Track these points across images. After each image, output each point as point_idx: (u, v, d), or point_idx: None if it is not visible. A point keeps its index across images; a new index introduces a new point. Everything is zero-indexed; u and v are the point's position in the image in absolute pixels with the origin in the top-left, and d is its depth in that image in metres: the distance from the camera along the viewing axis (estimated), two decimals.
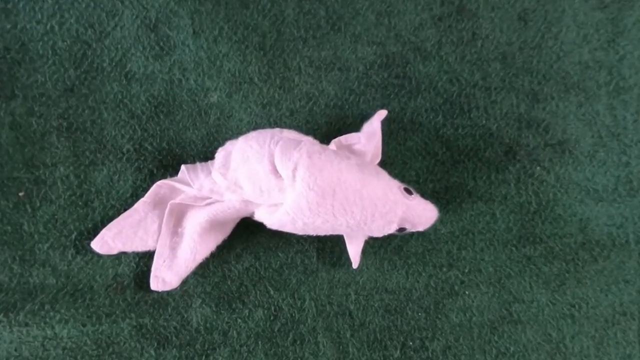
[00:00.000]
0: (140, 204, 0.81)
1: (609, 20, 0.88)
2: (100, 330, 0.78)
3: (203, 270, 0.80)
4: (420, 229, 0.79)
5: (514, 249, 0.85)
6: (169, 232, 0.80)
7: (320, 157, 0.74)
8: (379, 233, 0.76)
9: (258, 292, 0.81)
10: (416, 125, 0.87)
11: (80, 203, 0.81)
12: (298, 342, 0.80)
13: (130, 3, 0.85)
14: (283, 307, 0.81)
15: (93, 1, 0.84)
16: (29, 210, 0.80)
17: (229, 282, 0.81)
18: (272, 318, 0.81)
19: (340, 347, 0.81)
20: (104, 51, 0.84)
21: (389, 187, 0.76)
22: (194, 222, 0.79)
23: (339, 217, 0.73)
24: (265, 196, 0.75)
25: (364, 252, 0.82)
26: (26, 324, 0.78)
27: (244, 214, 0.79)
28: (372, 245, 0.83)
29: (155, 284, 0.79)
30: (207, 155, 0.84)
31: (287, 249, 0.82)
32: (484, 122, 0.87)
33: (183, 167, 0.80)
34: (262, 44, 0.86)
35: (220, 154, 0.78)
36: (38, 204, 0.80)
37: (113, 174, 0.82)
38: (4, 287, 0.79)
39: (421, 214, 0.78)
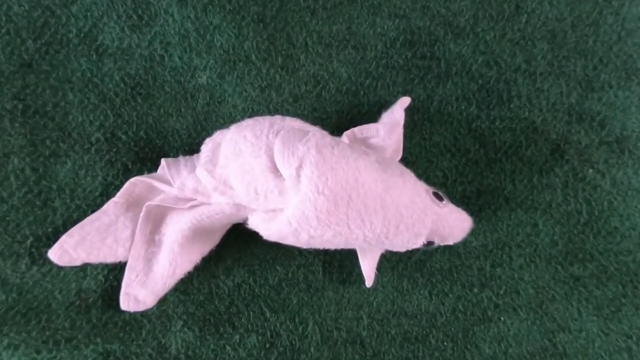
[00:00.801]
0: (110, 205, 0.60)
1: None
2: (58, 358, 0.53)
3: (185, 286, 0.56)
4: (451, 242, 0.58)
5: (559, 267, 0.64)
6: (144, 240, 0.59)
7: (332, 152, 0.52)
8: (402, 248, 0.56)
9: (251, 313, 0.56)
10: (445, 116, 0.62)
11: (38, 202, 0.57)
12: None
13: None
14: (281, 332, 0.56)
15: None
16: None
17: (216, 301, 0.56)
18: (267, 346, 0.56)
19: None
20: (70, 20, 0.58)
21: (416, 192, 0.54)
22: (175, 228, 0.58)
23: (354, 230, 0.52)
24: (261, 200, 0.53)
25: (379, 268, 0.61)
26: None
27: (236, 219, 0.58)
28: (389, 259, 0.61)
29: (126, 303, 0.58)
30: (192, 148, 0.62)
31: (287, 262, 0.59)
32: (526, 114, 0.61)
33: (163, 161, 0.59)
34: (262, 15, 0.60)
35: (207, 146, 0.57)
36: None
37: (79, 168, 0.57)
38: None
39: (453, 224, 0.56)
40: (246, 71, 0.65)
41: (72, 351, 0.58)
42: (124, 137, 0.63)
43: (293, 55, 0.65)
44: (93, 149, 0.62)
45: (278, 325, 0.61)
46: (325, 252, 0.63)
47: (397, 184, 0.54)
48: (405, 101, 0.63)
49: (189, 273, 0.59)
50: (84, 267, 0.60)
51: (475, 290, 0.63)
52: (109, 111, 0.63)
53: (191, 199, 0.58)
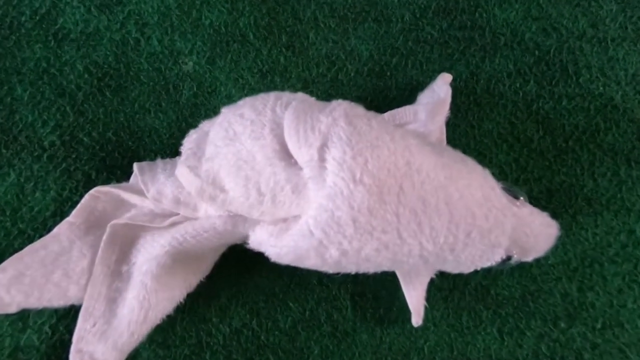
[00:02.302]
0: (63, 227, 0.32)
1: None
2: None
3: (165, 335, 0.27)
4: (532, 257, 0.30)
5: None
6: (106, 272, 0.31)
7: (369, 124, 0.25)
8: (468, 267, 0.28)
9: None
10: (495, 97, 0.33)
11: None
12: None
13: None
14: None
15: None
16: None
17: (207, 355, 0.26)
18: None
19: None
20: (23, 0, 0.28)
21: (489, 185, 0.27)
22: (149, 255, 0.30)
23: (407, 240, 0.24)
24: (266, 204, 0.26)
25: (428, 298, 0.32)
26: None
27: (231, 239, 0.30)
28: (440, 287, 0.34)
29: None
30: (175, 151, 0.34)
31: (302, 296, 0.32)
32: (600, 89, 0.32)
33: (135, 165, 0.32)
34: None
35: (190, 137, 0.30)
36: None
37: (25, 181, 0.28)
38: None
39: (538, 231, 0.29)
40: (242, 53, 0.37)
41: None
42: (86, 139, 0.34)
43: (300, 31, 0.37)
44: (45, 155, 0.34)
45: None
46: (354, 280, 0.33)
47: (461, 173, 0.25)
48: (447, 77, 0.35)
49: (169, 317, 0.29)
50: (23, 315, 0.30)
51: (562, 325, 0.33)
52: (67, 108, 0.35)
53: (171, 214, 0.29)
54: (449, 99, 0.33)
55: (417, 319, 0.31)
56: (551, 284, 0.34)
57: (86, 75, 0.36)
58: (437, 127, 0.33)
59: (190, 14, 0.37)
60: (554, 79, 0.37)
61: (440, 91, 0.33)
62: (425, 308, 0.32)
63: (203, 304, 0.32)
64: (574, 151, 0.36)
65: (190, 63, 0.36)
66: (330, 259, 0.24)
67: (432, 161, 0.24)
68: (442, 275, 0.32)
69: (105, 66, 0.36)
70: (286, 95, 0.27)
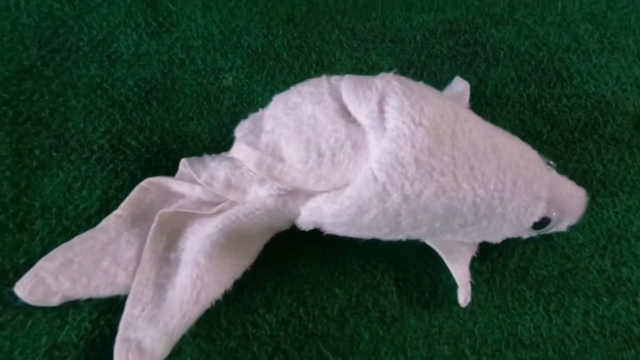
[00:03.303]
0: (110, 220, 0.26)
1: None
2: None
3: (210, 329, 0.18)
4: (568, 221, 0.25)
5: None
6: (155, 259, 0.24)
7: (417, 85, 0.21)
8: (514, 223, 0.22)
9: (307, 359, 0.17)
10: (503, 99, 0.28)
11: (11, 226, 0.22)
12: None
13: None
14: None
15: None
16: None
17: (255, 347, 0.21)
18: None
19: None
20: (82, 29, 0.27)
21: (523, 144, 0.22)
22: (200, 237, 0.24)
23: (462, 184, 0.19)
24: (326, 165, 0.20)
25: (471, 282, 0.25)
26: None
27: (282, 220, 0.24)
28: (480, 271, 0.27)
29: (123, 356, 0.21)
30: (217, 152, 0.28)
31: (347, 283, 0.24)
32: (593, 88, 0.28)
33: (183, 160, 0.26)
34: (291, 15, 0.31)
35: (243, 122, 0.25)
36: None
37: (73, 181, 0.22)
38: None
39: (571, 191, 0.24)
40: (277, 69, 0.34)
41: None
42: (133, 142, 0.30)
43: (327, 51, 0.35)
44: (94, 157, 0.29)
45: None
46: (396, 266, 0.27)
47: (499, 130, 0.21)
48: (460, 80, 0.32)
49: (213, 310, 0.23)
50: (64, 311, 0.24)
51: (605, 300, 0.27)
52: (117, 116, 0.31)
53: (219, 202, 0.24)
54: (468, 91, 0.30)
55: (465, 296, 0.25)
56: (585, 261, 0.28)
57: (135, 89, 0.32)
58: None
59: (231, 38, 0.35)
60: (551, 82, 0.35)
61: (458, 87, 0.30)
62: (471, 290, 0.26)
63: (247, 294, 0.26)
64: (580, 141, 0.33)
65: (230, 78, 0.33)
66: (391, 207, 0.19)
67: (474, 116, 0.21)
68: (480, 258, 0.27)
69: (153, 81, 0.33)
70: (335, 77, 0.24)
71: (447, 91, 0.30)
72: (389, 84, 0.21)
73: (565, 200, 0.23)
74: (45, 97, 0.30)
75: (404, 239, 0.23)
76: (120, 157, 0.29)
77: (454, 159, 0.19)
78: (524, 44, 0.35)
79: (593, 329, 0.26)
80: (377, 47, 0.35)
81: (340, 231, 0.23)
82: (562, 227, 0.25)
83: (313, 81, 0.23)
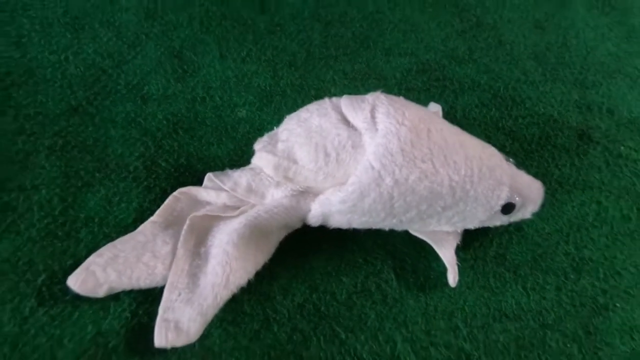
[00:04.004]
0: (147, 226, 0.30)
1: (616, 23, 0.42)
2: None
3: (234, 315, 0.22)
4: (531, 207, 0.31)
5: None
6: (187, 253, 0.28)
7: (399, 98, 0.28)
8: (485, 204, 0.28)
9: (322, 337, 0.22)
10: (470, 120, 0.37)
11: (59, 234, 0.26)
12: None
13: (155, 35, 0.39)
14: (365, 356, 0.21)
15: (115, 36, 0.38)
16: None
17: (275, 328, 0.23)
18: None
19: None
20: (120, 76, 0.35)
21: (484, 143, 0.29)
22: (227, 231, 0.28)
23: (439, 170, 0.25)
24: (331, 163, 0.26)
25: (458, 267, 0.30)
26: None
27: (295, 217, 0.29)
28: (465, 259, 0.31)
29: (163, 335, 0.25)
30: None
31: (353, 272, 0.26)
32: (542, 110, 0.37)
33: (209, 174, 0.32)
34: (293, 62, 0.39)
35: (262, 137, 0.31)
36: (1, 236, 0.23)
37: (112, 196, 0.27)
38: None
39: (529, 181, 0.30)
40: (283, 103, 0.41)
41: None
42: (163, 164, 0.35)
43: (324, 87, 0.43)
44: (130, 176, 0.34)
45: (359, 347, 0.27)
46: (394, 256, 0.32)
47: (465, 135, 0.27)
48: (434, 104, 0.39)
49: (236, 298, 0.27)
50: (105, 302, 0.27)
51: (572, 277, 0.32)
52: (150, 143, 0.37)
53: (241, 205, 0.29)
54: (440, 112, 0.37)
55: (453, 275, 0.29)
56: (553, 247, 0.33)
57: (164, 122, 0.38)
58: None
59: (244, 80, 0.42)
60: (508, 106, 0.42)
61: (432, 109, 0.37)
62: (458, 273, 0.31)
63: (266, 284, 0.30)
64: (537, 151, 0.39)
65: (244, 111, 0.40)
66: (385, 191, 0.24)
67: (444, 121, 0.27)
68: (464, 248, 0.32)
69: (179, 115, 0.39)
70: (334, 97, 0.30)
71: None
72: (378, 97, 0.27)
73: (525, 188, 0.29)
74: (89, 129, 0.36)
75: (397, 227, 0.28)
76: (153, 176, 0.34)
77: (431, 150, 0.25)
78: (483, 78, 0.43)
79: (565, 302, 0.30)
80: (364, 83, 0.42)
81: (344, 220, 0.28)
82: (527, 213, 0.31)
83: (318, 102, 0.29)
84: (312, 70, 0.42)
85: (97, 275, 0.26)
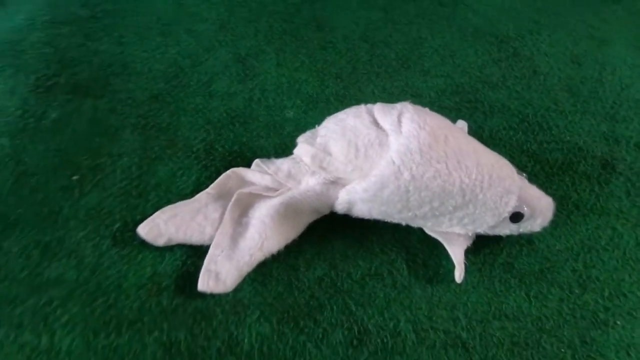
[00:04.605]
0: (202, 194, 0.36)
1: None
2: (114, 344, 0.27)
3: (263, 277, 0.28)
4: (539, 220, 0.33)
5: None
6: (232, 220, 0.34)
7: (424, 109, 0.33)
8: (493, 210, 0.30)
9: (335, 307, 0.27)
10: (496, 140, 0.40)
11: (134, 193, 0.34)
12: None
13: (225, 43, 0.47)
14: (370, 328, 0.25)
15: (195, 41, 0.46)
16: (76, 195, 0.36)
17: (296, 294, 0.28)
18: (355, 343, 0.25)
19: None
20: (194, 74, 0.43)
21: (500, 157, 0.32)
22: (266, 206, 0.34)
23: (452, 172, 0.29)
24: (360, 158, 0.31)
25: (466, 268, 0.34)
26: (18, 325, 0.27)
27: (324, 202, 0.34)
28: (474, 262, 0.33)
29: (205, 281, 0.31)
30: None
31: (369, 258, 0.31)
32: (568, 138, 0.40)
33: (257, 160, 0.37)
34: (339, 75, 0.45)
35: (305, 133, 0.36)
36: (88, 190, 0.37)
37: (177, 169, 0.35)
38: (10, 275, 0.31)
39: (539, 196, 0.32)
40: (326, 108, 0.46)
41: (133, 337, 0.29)
42: (220, 149, 0.42)
43: (363, 99, 0.47)
44: (193, 156, 0.41)
45: (366, 319, 0.31)
46: (407, 250, 0.36)
47: (481, 147, 0.31)
48: (462, 121, 0.43)
49: (268, 264, 0.32)
50: (163, 252, 0.34)
51: (577, 291, 0.34)
52: (211, 130, 0.44)
53: (281, 188, 0.35)
54: (466, 128, 0.41)
55: (460, 272, 0.32)
56: (562, 262, 0.36)
57: (224, 114, 0.45)
58: None
59: (295, 86, 0.48)
60: (534, 131, 0.45)
61: (459, 124, 0.41)
62: (465, 272, 0.34)
63: (293, 257, 0.35)
64: (558, 175, 0.42)
65: (292, 112, 0.46)
66: (403, 184, 0.29)
67: (462, 132, 0.31)
68: (475, 253, 0.35)
69: (237, 110, 0.46)
70: (369, 104, 0.36)
71: None
72: (405, 106, 0.32)
73: (534, 200, 0.32)
74: (165, 114, 0.43)
75: (413, 222, 0.31)
76: (210, 158, 0.41)
77: (446, 153, 0.29)
78: (513, 103, 0.46)
79: (566, 312, 0.32)
80: (400, 98, 0.46)
81: (366, 209, 0.32)
82: (536, 226, 0.33)
83: (355, 107, 0.35)
84: (355, 83, 0.47)
85: (160, 227, 0.32)
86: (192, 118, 0.42)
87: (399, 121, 0.29)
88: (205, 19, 0.51)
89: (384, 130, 0.30)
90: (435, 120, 0.29)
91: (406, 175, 0.27)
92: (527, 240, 0.35)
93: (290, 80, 0.46)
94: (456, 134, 0.30)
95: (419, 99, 0.45)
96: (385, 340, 0.29)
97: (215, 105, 0.43)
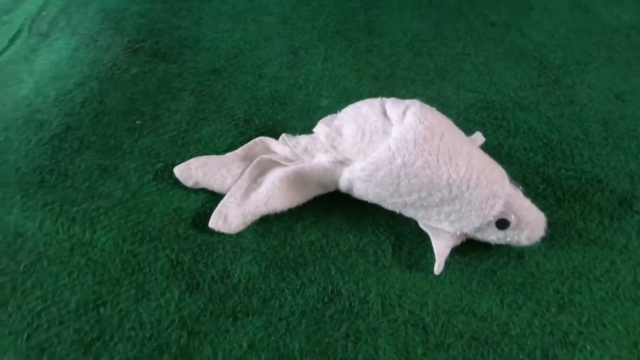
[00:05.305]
0: (231, 154, 0.42)
1: None
2: (136, 251, 0.35)
3: (264, 230, 0.33)
4: (526, 232, 0.33)
5: None
6: (249, 177, 0.40)
7: (431, 108, 0.35)
8: (478, 211, 0.32)
9: (317, 267, 0.31)
10: (513, 159, 0.42)
11: (179, 143, 0.41)
12: (352, 339, 0.27)
13: (284, 35, 0.54)
14: (342, 291, 0.30)
15: (258, 30, 0.53)
16: (136, 135, 0.45)
17: (287, 249, 0.33)
18: (326, 300, 0.30)
19: None
20: (251, 57, 0.51)
21: (497, 165, 0.34)
22: (279, 172, 0.39)
23: (442, 166, 0.31)
24: (365, 141, 0.35)
25: (448, 265, 0.36)
26: (72, 220, 0.37)
27: (330, 178, 0.38)
28: (459, 261, 0.35)
29: (215, 220, 0.37)
30: None
31: (360, 235, 0.35)
32: (589, 169, 0.39)
33: (283, 135, 0.42)
34: (377, 76, 0.50)
35: (326, 117, 0.40)
36: (145, 133, 0.45)
37: (218, 131, 0.43)
38: (74, 184, 0.40)
39: (530, 207, 0.34)
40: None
41: (150, 250, 0.35)
42: (257, 121, 0.48)
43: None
44: (233, 122, 0.48)
45: (341, 283, 0.35)
46: (397, 238, 0.39)
47: (479, 151, 0.34)
48: (479, 133, 0.45)
49: (270, 220, 0.37)
50: (190, 192, 0.40)
51: (553, 310, 0.34)
52: (253, 105, 0.50)
53: (295, 160, 0.40)
54: (479, 141, 0.42)
55: (439, 264, 0.35)
56: (546, 282, 0.36)
57: (268, 94, 0.51)
58: None
59: (334, 80, 0.53)
60: (555, 156, 0.45)
61: (474, 136, 0.43)
62: (445, 268, 0.36)
63: (294, 220, 0.39)
64: (568, 201, 0.42)
65: (326, 102, 0.51)
66: (395, 169, 0.32)
67: (464, 136, 0.34)
68: (461, 255, 0.36)
69: (280, 93, 0.51)
70: (384, 97, 0.39)
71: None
72: (413, 102, 0.35)
73: (522, 211, 0.33)
74: (219, 85, 0.50)
75: (405, 210, 0.33)
76: (247, 127, 0.47)
77: (439, 148, 0.32)
78: (541, 127, 0.47)
79: (535, 325, 0.33)
80: (432, 105, 0.50)
81: (363, 188, 0.36)
82: (523, 237, 0.35)
83: (373, 98, 0.39)
84: (389, 85, 0.51)
85: (191, 171, 0.39)
86: (240, 92, 0.49)
87: (404, 114, 0.33)
88: (271, 12, 0.58)
89: (390, 120, 0.33)
90: (437, 119, 0.32)
91: (399, 161, 0.31)
92: (517, 254, 0.36)
93: (332, 74, 0.51)
94: (455, 134, 0.32)
95: (446, 108, 0.47)
96: (352, 304, 0.32)
97: (262, 85, 0.50)
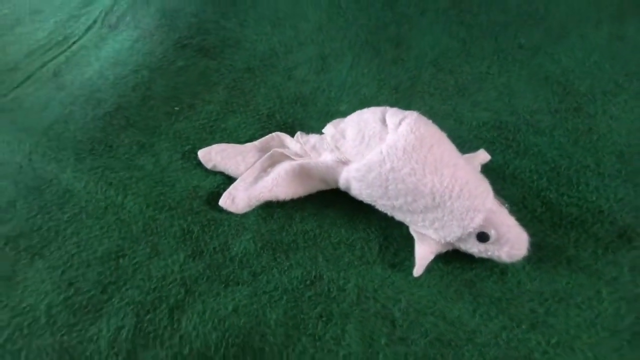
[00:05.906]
0: (250, 144, 0.47)
1: None
2: (155, 217, 0.42)
3: (267, 214, 0.38)
4: (506, 249, 0.35)
5: (625, 344, 0.29)
6: (261, 167, 0.44)
7: (427, 121, 0.38)
8: (459, 222, 0.34)
9: (307, 253, 0.36)
10: (517, 180, 0.43)
11: (207, 130, 0.47)
12: (324, 319, 0.31)
13: (316, 42, 0.58)
14: (324, 278, 0.34)
15: (294, 35, 0.58)
16: (172, 119, 0.51)
17: (284, 234, 0.38)
18: (308, 282, 0.35)
19: (370, 351, 0.29)
20: (283, 60, 0.56)
21: (483, 181, 0.35)
22: (287, 164, 0.43)
23: (427, 174, 0.34)
24: (363, 144, 0.38)
25: (430, 270, 0.38)
26: (109, 184, 0.44)
27: (331, 176, 0.41)
28: (440, 269, 0.36)
29: (224, 200, 0.42)
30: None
31: (351, 231, 0.38)
32: (594, 198, 0.39)
33: (298, 132, 0.46)
34: (396, 87, 0.52)
35: (333, 121, 0.44)
36: (180, 119, 0.51)
37: (242, 123, 0.48)
38: (116, 156, 0.47)
39: (512, 224, 0.35)
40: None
41: (166, 219, 0.41)
42: (279, 118, 0.53)
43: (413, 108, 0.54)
44: (257, 117, 0.53)
45: (325, 271, 0.38)
46: (386, 239, 0.41)
47: (468, 166, 0.35)
48: (484, 151, 0.46)
49: (273, 207, 0.42)
50: (209, 173, 0.46)
51: (524, 327, 0.35)
52: (277, 102, 0.55)
53: (304, 156, 0.44)
54: (482, 158, 0.44)
55: (418, 267, 0.37)
56: (524, 300, 0.37)
57: (293, 94, 0.55)
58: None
59: (355, 87, 0.56)
60: (560, 182, 0.45)
61: (479, 153, 0.45)
62: (426, 272, 0.38)
63: (295, 210, 0.43)
64: (564, 227, 0.42)
65: (345, 106, 0.54)
66: (384, 172, 0.35)
67: (454, 151, 0.36)
68: (444, 263, 0.38)
69: (304, 94, 0.55)
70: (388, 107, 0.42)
71: (468, 154, 0.45)
72: (412, 113, 0.38)
73: (504, 227, 0.35)
74: (250, 82, 0.55)
75: (394, 212, 0.36)
76: (269, 122, 0.51)
77: (426, 158, 0.35)
78: (551, 152, 0.47)
79: (502, 338, 0.35)
80: (442, 122, 0.52)
81: (357, 187, 0.39)
82: (503, 253, 0.36)
83: (373, 108, 0.42)
84: (407, 97, 0.54)
85: (212, 155, 0.44)
86: (268, 91, 0.54)
87: (400, 123, 0.36)
88: (308, 20, 0.63)
89: (387, 128, 0.37)
90: (429, 131, 0.35)
91: (388, 165, 0.34)
92: (500, 270, 0.38)
93: (354, 81, 0.55)
94: (444, 147, 0.35)
95: (458, 124, 0.49)
96: (331, 290, 0.36)
97: (289, 86, 0.55)
